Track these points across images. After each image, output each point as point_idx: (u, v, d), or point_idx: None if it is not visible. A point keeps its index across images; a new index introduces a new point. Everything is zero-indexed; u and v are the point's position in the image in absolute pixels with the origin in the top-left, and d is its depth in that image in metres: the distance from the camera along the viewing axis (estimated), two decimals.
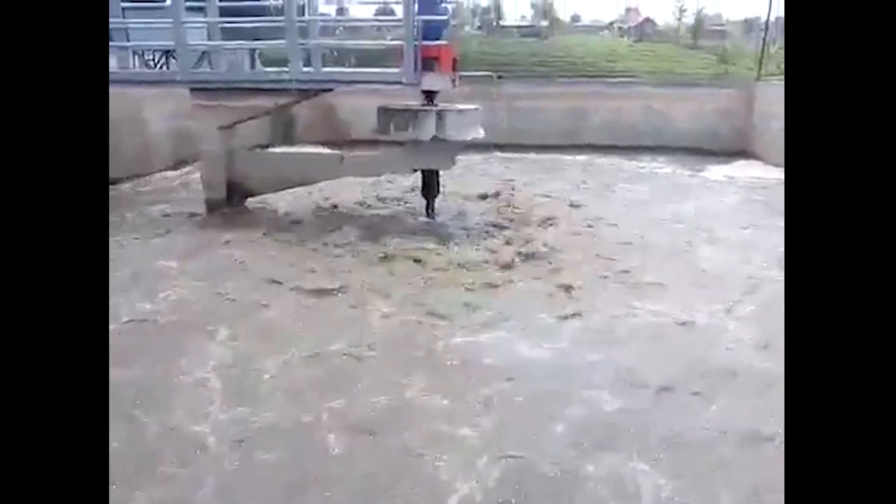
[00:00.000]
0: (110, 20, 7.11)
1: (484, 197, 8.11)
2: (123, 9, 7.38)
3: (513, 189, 8.64)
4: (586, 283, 5.11)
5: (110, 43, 7.39)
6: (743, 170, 10.74)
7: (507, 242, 6.20)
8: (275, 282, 5.08)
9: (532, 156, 11.68)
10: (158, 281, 5.13)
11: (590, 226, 6.93)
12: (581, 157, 11.71)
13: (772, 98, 11.46)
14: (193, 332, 4.19)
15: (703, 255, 6.02)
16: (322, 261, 5.66)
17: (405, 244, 6.03)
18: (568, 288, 4.98)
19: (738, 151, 12.06)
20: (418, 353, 3.93)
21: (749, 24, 32.00)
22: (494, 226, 6.83)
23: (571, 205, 7.84)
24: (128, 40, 7.64)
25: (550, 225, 6.82)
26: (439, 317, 4.42)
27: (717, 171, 10.66)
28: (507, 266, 5.49)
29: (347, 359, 3.82)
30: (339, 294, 4.86)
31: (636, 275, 5.34)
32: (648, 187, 9.30)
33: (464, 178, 8.61)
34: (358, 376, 3.62)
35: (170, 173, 9.91)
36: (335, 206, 7.64)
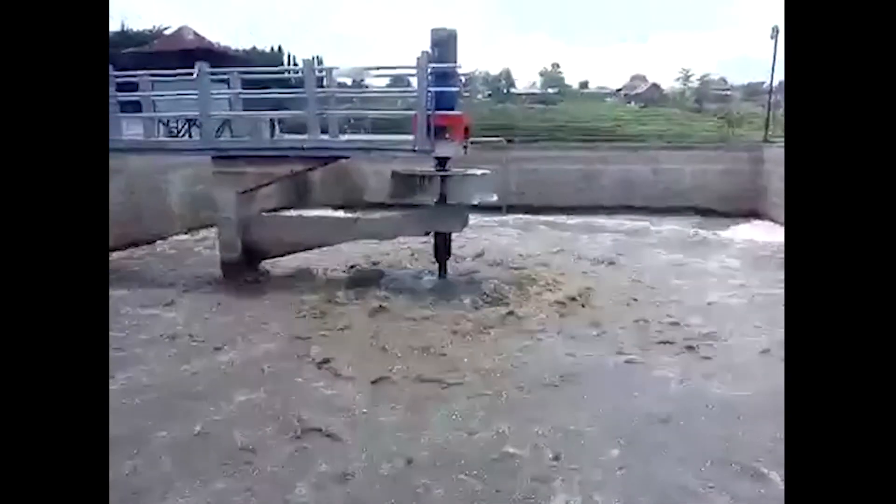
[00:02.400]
0: (139, 93, 7.52)
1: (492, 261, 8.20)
2: (152, 82, 7.79)
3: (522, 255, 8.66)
4: None
5: (139, 114, 7.78)
6: (763, 232, 10.45)
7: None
8: None
9: (543, 217, 11.77)
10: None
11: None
12: (583, 219, 11.72)
13: (780, 159, 11.60)
14: None
15: None
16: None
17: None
18: None
19: (749, 212, 12.06)
20: None
21: (752, 89, 32.77)
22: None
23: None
24: (154, 111, 8.01)
25: None
26: None
27: (735, 234, 10.40)
28: None
29: None
30: None
31: None
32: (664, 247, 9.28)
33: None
34: None
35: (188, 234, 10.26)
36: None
